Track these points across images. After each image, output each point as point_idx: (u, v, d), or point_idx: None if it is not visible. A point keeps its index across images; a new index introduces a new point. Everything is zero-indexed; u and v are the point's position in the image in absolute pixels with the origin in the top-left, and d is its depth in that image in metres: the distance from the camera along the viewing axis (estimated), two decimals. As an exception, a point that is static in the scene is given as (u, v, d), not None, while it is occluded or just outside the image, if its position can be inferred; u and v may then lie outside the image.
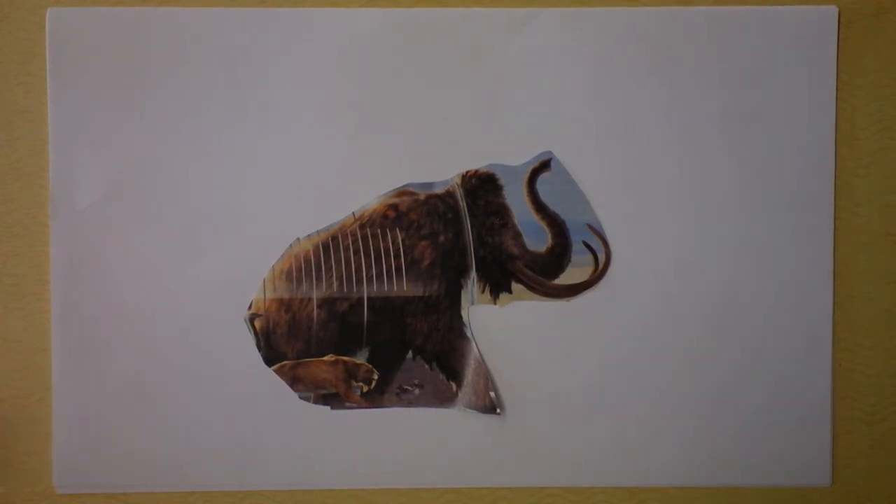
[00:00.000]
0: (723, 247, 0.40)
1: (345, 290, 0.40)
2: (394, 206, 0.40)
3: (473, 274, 0.40)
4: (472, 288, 0.40)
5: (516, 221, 0.40)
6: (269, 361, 0.40)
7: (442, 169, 0.40)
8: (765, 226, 0.40)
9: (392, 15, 0.40)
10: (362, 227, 0.40)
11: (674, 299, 0.40)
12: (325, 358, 0.40)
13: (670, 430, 0.40)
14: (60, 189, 0.39)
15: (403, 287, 0.40)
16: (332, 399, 0.40)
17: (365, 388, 0.40)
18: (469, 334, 0.40)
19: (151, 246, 0.39)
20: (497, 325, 0.40)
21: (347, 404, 0.40)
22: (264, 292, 0.40)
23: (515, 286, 0.40)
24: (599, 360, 0.40)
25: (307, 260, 0.40)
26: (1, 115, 0.40)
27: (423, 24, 0.40)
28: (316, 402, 0.40)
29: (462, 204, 0.40)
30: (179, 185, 0.40)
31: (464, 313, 0.40)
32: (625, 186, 0.40)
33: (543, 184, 0.40)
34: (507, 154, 0.40)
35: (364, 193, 0.40)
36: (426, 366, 0.40)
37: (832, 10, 0.40)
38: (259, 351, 0.40)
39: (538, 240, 0.40)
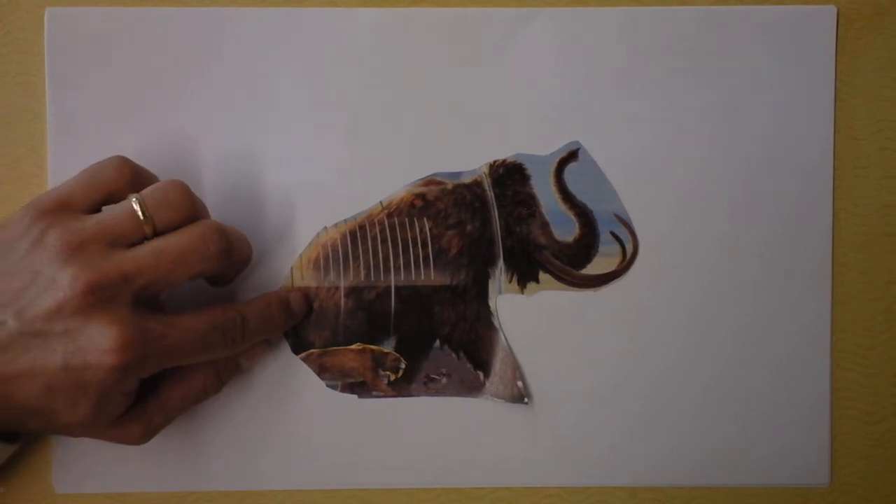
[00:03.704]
0: (720, 247, 0.40)
1: (372, 279, 0.40)
2: (421, 196, 0.40)
3: (501, 263, 0.40)
4: (499, 277, 0.40)
5: (544, 211, 0.40)
6: (297, 350, 0.40)
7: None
8: (764, 225, 0.40)
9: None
10: (390, 216, 0.40)
11: (673, 299, 0.40)
12: (353, 347, 0.40)
13: (669, 429, 0.40)
14: (59, 189, 0.39)
15: (431, 276, 0.40)
16: (359, 388, 0.40)
17: (392, 377, 0.40)
18: (496, 324, 0.40)
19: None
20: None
21: (374, 393, 0.40)
22: (292, 280, 0.40)
23: (543, 276, 0.40)
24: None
25: (335, 249, 0.40)
26: (0, 115, 0.40)
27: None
28: (343, 390, 0.40)
29: (489, 193, 0.40)
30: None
31: (491, 303, 0.40)
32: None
33: (571, 174, 0.40)
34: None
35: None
36: (453, 355, 0.40)
37: (831, 9, 0.40)
38: (286, 339, 0.40)
39: (565, 230, 0.40)
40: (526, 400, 0.40)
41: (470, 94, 0.40)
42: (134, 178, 0.35)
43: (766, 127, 0.40)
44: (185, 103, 0.39)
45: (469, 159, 0.40)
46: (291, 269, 0.40)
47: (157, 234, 0.34)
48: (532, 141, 0.40)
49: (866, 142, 0.40)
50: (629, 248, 0.40)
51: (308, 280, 0.40)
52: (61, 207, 0.33)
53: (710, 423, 0.40)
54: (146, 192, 0.34)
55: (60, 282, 0.32)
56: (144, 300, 0.33)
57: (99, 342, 0.32)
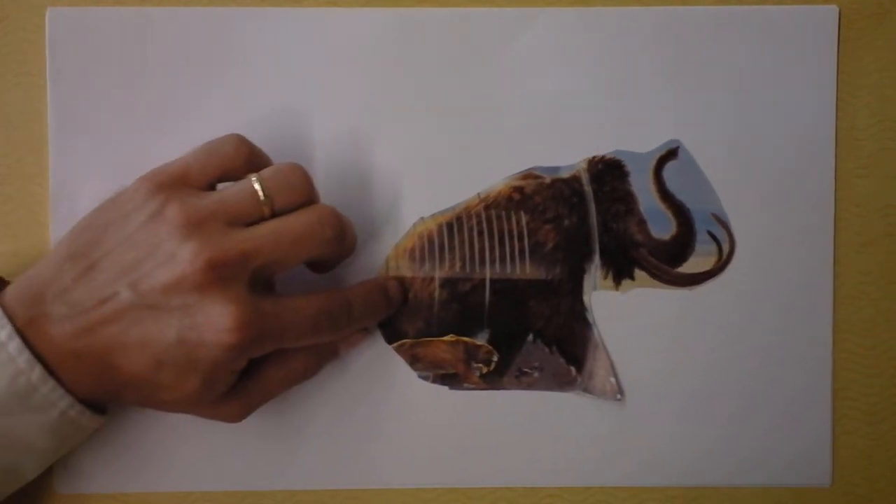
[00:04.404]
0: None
1: (467, 270, 0.40)
2: (519, 189, 0.40)
3: (597, 259, 0.40)
4: (594, 273, 0.40)
5: (641, 208, 0.40)
6: (390, 339, 0.40)
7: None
8: (764, 225, 0.40)
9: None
10: (487, 208, 0.40)
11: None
12: (446, 338, 0.40)
13: (669, 429, 0.40)
14: (60, 189, 0.39)
15: (526, 270, 0.40)
16: (451, 379, 0.40)
17: (484, 370, 0.40)
18: (590, 319, 0.40)
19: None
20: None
21: (466, 385, 0.40)
22: (387, 269, 0.40)
23: (638, 273, 0.40)
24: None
25: (431, 239, 0.40)
26: (0, 115, 0.40)
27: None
28: (434, 381, 0.40)
29: (587, 189, 0.40)
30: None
31: (586, 298, 0.40)
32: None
33: (669, 172, 0.40)
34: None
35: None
36: (546, 349, 0.40)
37: (832, 9, 0.40)
38: (380, 328, 0.40)
39: (662, 228, 0.40)
40: (619, 396, 0.40)
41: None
42: (250, 157, 0.35)
43: (766, 127, 0.40)
44: (187, 103, 0.39)
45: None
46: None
47: (273, 215, 0.34)
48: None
49: (868, 142, 0.40)
50: (726, 247, 0.40)
51: (403, 270, 0.40)
52: (179, 182, 0.33)
53: (711, 423, 0.40)
54: (266, 172, 0.34)
55: (181, 256, 0.31)
56: (259, 281, 0.33)
57: (216, 320, 0.31)
